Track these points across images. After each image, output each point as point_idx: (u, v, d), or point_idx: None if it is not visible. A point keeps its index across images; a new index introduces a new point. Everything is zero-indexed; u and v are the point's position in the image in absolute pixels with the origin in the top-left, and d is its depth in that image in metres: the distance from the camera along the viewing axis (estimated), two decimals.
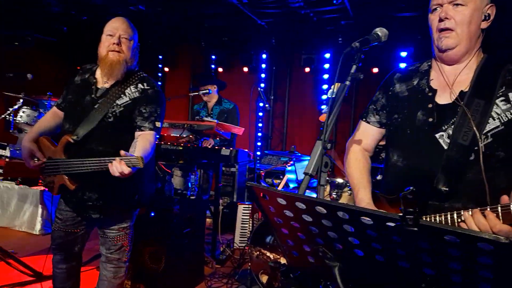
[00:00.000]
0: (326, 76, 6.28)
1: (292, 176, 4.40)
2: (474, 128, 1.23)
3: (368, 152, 1.62)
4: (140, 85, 2.07)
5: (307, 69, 6.33)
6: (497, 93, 1.26)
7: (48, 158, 2.06)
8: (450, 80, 1.36)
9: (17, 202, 4.24)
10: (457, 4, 1.27)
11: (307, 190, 1.17)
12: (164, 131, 3.84)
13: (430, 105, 1.36)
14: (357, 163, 1.56)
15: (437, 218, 1.24)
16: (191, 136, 4.07)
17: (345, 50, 1.23)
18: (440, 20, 1.29)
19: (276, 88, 6.92)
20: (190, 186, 3.26)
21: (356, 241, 0.91)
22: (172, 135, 3.91)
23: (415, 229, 0.71)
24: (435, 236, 0.75)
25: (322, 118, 1.29)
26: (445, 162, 1.26)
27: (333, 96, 1.23)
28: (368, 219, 0.80)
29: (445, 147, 1.29)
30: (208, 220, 3.98)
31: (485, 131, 1.24)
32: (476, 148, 1.23)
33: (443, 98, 1.36)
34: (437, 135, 1.32)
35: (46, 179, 2.12)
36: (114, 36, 2.01)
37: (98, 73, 2.11)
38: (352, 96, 6.31)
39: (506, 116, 1.24)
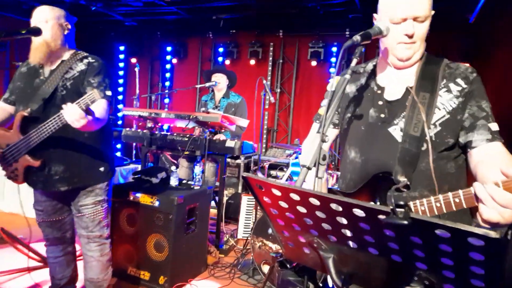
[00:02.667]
0: (332, 70, 6.25)
1: (296, 169, 4.41)
2: (424, 119, 1.30)
3: (322, 152, 1.63)
4: (85, 60, 2.17)
5: (314, 63, 6.30)
6: (439, 86, 1.35)
7: (6, 147, 2.07)
8: (395, 77, 1.43)
9: (27, 187, 4.30)
10: (420, 21, 1.33)
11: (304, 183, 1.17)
12: (171, 121, 3.86)
13: (380, 102, 1.44)
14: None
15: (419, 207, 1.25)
16: (197, 128, 4.10)
17: (346, 43, 1.22)
18: (409, 37, 1.33)
19: (282, 81, 6.90)
20: (195, 176, 3.28)
21: (349, 233, 0.91)
22: (178, 126, 3.94)
23: (405, 222, 0.72)
24: (425, 230, 0.76)
25: (321, 111, 1.30)
26: (400, 154, 1.33)
27: (333, 89, 1.23)
28: (360, 211, 0.81)
29: (399, 140, 1.36)
30: (212, 210, 4.01)
31: (433, 121, 1.32)
32: (426, 138, 1.30)
33: (392, 95, 1.43)
34: (390, 129, 1.39)
35: (9, 169, 2.11)
36: (33, 24, 2.08)
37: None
38: None
39: (450, 105, 1.33)
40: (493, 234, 0.69)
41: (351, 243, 0.94)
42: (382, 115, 1.42)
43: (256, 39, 6.67)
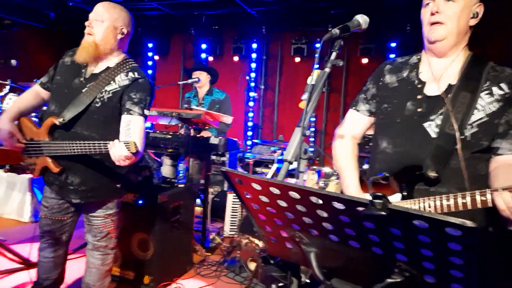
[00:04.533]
0: (317, 66, 6.27)
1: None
2: (458, 120, 1.32)
3: (356, 139, 1.69)
4: (131, 74, 2.05)
5: (298, 59, 6.31)
6: (481, 88, 1.35)
7: (30, 140, 2.03)
8: (438, 74, 1.44)
9: (6, 190, 4.22)
10: (448, 0, 1.34)
11: (292, 179, 1.17)
12: (153, 119, 3.81)
13: (419, 96, 1.44)
14: (345, 149, 1.63)
15: (423, 204, 1.32)
16: (182, 127, 4.05)
17: (325, 36, 1.22)
18: (432, 14, 1.36)
19: (266, 77, 6.90)
20: (178, 174, 3.25)
21: (330, 227, 0.91)
22: (160, 123, 3.89)
23: (383, 213, 0.72)
24: (404, 221, 0.76)
25: (302, 105, 1.30)
26: (434, 150, 1.35)
27: (313, 83, 1.23)
28: (339, 204, 0.80)
29: (433, 136, 1.37)
30: (198, 208, 3.99)
31: (470, 122, 1.34)
32: (462, 137, 1.32)
33: (432, 90, 1.44)
34: (425, 124, 1.40)
35: (27, 160, 2.09)
36: (89, 21, 2.01)
37: None
38: (342, 86, 6.33)
39: (490, 109, 1.34)
40: (469, 223, 0.69)
41: (332, 237, 0.94)
42: (419, 109, 1.42)
43: (239, 35, 6.63)
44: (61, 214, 2.19)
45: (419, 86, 1.46)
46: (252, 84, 6.65)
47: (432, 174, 1.32)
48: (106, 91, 2.00)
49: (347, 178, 1.54)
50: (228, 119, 3.73)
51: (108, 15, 2.00)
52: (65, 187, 2.06)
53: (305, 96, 1.22)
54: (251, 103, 6.74)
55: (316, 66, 1.26)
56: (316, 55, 1.35)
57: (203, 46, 6.97)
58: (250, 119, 6.78)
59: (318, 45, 6.20)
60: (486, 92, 1.35)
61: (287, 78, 6.78)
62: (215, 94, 4.47)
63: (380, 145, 1.52)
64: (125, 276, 2.87)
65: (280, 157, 4.66)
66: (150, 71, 7.60)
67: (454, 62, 1.42)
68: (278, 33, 6.66)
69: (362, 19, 1.32)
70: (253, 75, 6.72)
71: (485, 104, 1.34)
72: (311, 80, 1.23)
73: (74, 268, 2.78)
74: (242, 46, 6.59)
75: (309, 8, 5.63)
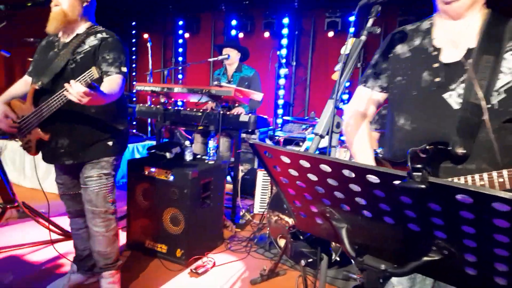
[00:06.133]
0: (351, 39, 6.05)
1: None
2: (483, 87, 1.18)
3: (368, 118, 1.56)
4: (99, 35, 2.15)
5: (331, 33, 6.10)
6: (505, 48, 1.21)
7: (21, 118, 2.10)
8: (455, 38, 1.30)
9: (45, 165, 4.40)
10: None
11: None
12: (183, 96, 3.83)
13: (435, 65, 1.31)
14: (356, 131, 1.51)
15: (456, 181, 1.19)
16: (210, 103, 4.05)
17: (360, 2, 1.14)
18: None
19: (298, 53, 6.74)
20: (209, 151, 3.26)
21: (363, 202, 0.87)
22: (191, 100, 3.90)
23: (423, 186, 0.66)
24: (445, 195, 0.70)
25: (335, 76, 1.23)
26: (459, 123, 1.22)
27: (347, 52, 1.16)
28: (374, 177, 0.75)
29: (456, 107, 1.24)
30: (228, 185, 4.02)
31: (496, 88, 1.19)
32: (489, 106, 1.19)
33: (449, 57, 1.30)
34: (445, 95, 1.27)
35: (24, 140, 2.16)
36: None
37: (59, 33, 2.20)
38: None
39: None
40: None
41: (365, 212, 0.90)
42: (437, 79, 1.29)
43: (270, 10, 6.48)
44: (76, 188, 2.29)
45: (434, 53, 1.32)
46: (283, 61, 6.53)
47: (460, 150, 1.20)
48: (77, 52, 2.10)
49: (359, 159, 1.43)
50: (258, 96, 3.68)
51: None
52: (57, 152, 2.14)
53: (338, 67, 1.16)
54: (282, 81, 6.63)
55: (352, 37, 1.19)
56: (351, 25, 1.26)
57: (233, 22, 6.88)
58: (281, 96, 6.68)
59: (352, 18, 5.95)
60: (511, 52, 1.21)
61: (319, 54, 6.59)
62: (244, 71, 4.41)
63: (398, 122, 1.40)
64: (158, 249, 2.96)
65: (310, 136, 4.58)
66: (180, 49, 7.61)
67: (471, 23, 1.27)
68: (310, 7, 6.44)
69: None
70: (284, 51, 6.57)
71: (511, 65, 1.20)
72: (345, 49, 1.16)
73: None
74: (273, 21, 6.44)
75: None
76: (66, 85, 1.73)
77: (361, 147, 1.46)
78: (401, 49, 1.42)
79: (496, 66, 1.20)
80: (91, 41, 2.13)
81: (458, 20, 1.29)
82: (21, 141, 2.18)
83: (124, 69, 2.12)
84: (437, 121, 1.28)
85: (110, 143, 2.21)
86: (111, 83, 2.02)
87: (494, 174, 1.10)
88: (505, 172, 1.08)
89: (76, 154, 2.15)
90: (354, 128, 1.51)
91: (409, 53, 1.40)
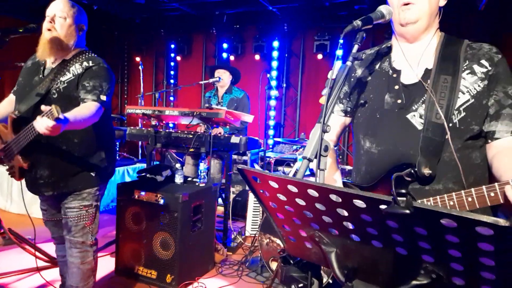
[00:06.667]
0: (339, 62, 6.16)
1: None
2: (443, 106, 1.22)
3: (333, 142, 1.57)
4: (85, 63, 2.08)
5: (320, 56, 6.22)
6: (461, 68, 1.25)
7: (5, 143, 2.06)
8: (412, 59, 1.34)
9: None
10: None
11: (314, 178, 1.13)
12: (174, 119, 3.84)
13: (396, 87, 1.34)
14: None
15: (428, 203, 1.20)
16: (201, 125, 4.06)
17: (346, 28, 1.17)
18: None
19: (288, 75, 6.84)
20: (200, 173, 3.25)
21: (351, 226, 0.87)
22: (182, 123, 3.91)
23: (407, 211, 0.67)
24: (430, 220, 0.71)
25: (322, 100, 1.24)
26: (423, 143, 1.24)
27: (333, 77, 1.18)
28: (360, 202, 0.76)
29: (419, 128, 1.26)
30: (220, 208, 3.99)
31: (456, 106, 1.23)
32: (450, 125, 1.21)
33: (409, 78, 1.34)
34: (408, 116, 1.29)
35: (8, 165, 2.12)
36: (49, 16, 2.03)
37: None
38: None
39: (475, 88, 1.23)
40: (502, 222, 0.64)
41: (353, 236, 0.90)
42: (399, 101, 1.32)
43: (260, 34, 6.60)
44: (59, 214, 2.20)
45: (394, 75, 1.35)
46: (274, 83, 6.61)
47: (426, 171, 1.20)
48: (61, 81, 2.04)
49: None
50: (249, 117, 3.71)
51: (70, 12, 2.06)
52: (36, 182, 2.07)
53: (325, 91, 1.18)
54: (272, 102, 6.69)
55: (339, 60, 1.21)
56: (339, 47, 1.29)
57: (225, 45, 6.99)
58: (272, 117, 6.74)
59: (341, 41, 6.07)
60: (468, 72, 1.24)
61: (309, 75, 6.70)
62: (234, 93, 4.47)
63: (364, 145, 1.41)
64: (147, 275, 2.90)
65: (301, 156, 4.60)
66: (172, 72, 7.68)
67: (428, 45, 1.32)
68: (300, 30, 6.58)
69: (386, 10, 1.25)
70: (274, 73, 6.67)
71: (469, 84, 1.23)
72: (331, 74, 1.18)
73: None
74: (263, 44, 6.56)
75: (331, 4, 5.53)
76: (37, 118, 1.67)
77: (328, 175, 1.44)
78: (362, 73, 1.46)
79: (455, 85, 1.23)
80: (76, 69, 2.06)
81: (414, 43, 1.34)
82: (7, 165, 2.14)
83: (104, 98, 2.03)
84: (402, 142, 1.29)
85: (93, 173, 2.14)
86: (81, 109, 1.93)
87: (463, 193, 1.10)
88: (473, 192, 1.08)
89: (57, 184, 2.07)
90: None
91: (370, 77, 1.43)
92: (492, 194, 1.04)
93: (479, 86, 1.23)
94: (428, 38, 1.32)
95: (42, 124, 1.62)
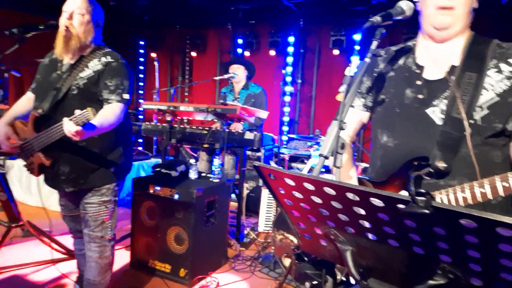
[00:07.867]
0: (356, 58, 6.09)
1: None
2: (465, 102, 1.20)
3: (351, 138, 1.56)
4: (103, 59, 2.09)
5: (336, 51, 6.16)
6: (488, 66, 1.23)
7: (23, 140, 2.09)
8: (438, 56, 1.31)
9: None
10: None
11: (329, 175, 1.13)
12: (189, 114, 3.86)
13: (418, 82, 1.33)
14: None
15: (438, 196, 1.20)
16: (216, 121, 4.08)
17: (365, 24, 1.16)
18: None
19: (303, 71, 6.79)
20: (213, 169, 3.27)
21: (368, 224, 0.86)
22: (196, 119, 3.93)
23: (427, 211, 0.66)
24: (450, 220, 0.70)
25: (339, 97, 1.23)
26: (440, 137, 1.23)
27: (351, 74, 1.17)
28: (378, 200, 0.75)
29: (439, 123, 1.25)
30: (233, 203, 4.00)
31: (479, 103, 1.21)
32: (472, 121, 1.20)
33: (432, 74, 1.32)
34: (428, 111, 1.28)
35: (27, 161, 2.15)
36: (67, 13, 2.03)
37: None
38: None
39: (500, 87, 1.21)
40: None
41: (370, 235, 0.89)
42: (420, 96, 1.31)
43: (275, 29, 6.57)
44: (77, 210, 2.23)
45: (417, 71, 1.34)
46: (289, 79, 6.58)
47: (440, 164, 1.19)
48: (81, 77, 2.05)
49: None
50: (263, 113, 3.70)
51: (90, 9, 2.06)
52: (57, 178, 2.10)
53: (342, 88, 1.17)
54: (287, 98, 6.67)
55: (356, 58, 1.20)
56: (357, 42, 1.27)
57: (240, 41, 6.97)
58: (286, 113, 6.71)
59: (357, 36, 6.00)
60: (494, 70, 1.22)
61: (325, 71, 6.64)
62: (251, 88, 4.45)
63: (381, 140, 1.40)
64: (161, 268, 2.94)
65: (315, 153, 4.58)
66: (187, 68, 7.71)
67: (456, 44, 1.29)
68: (316, 26, 6.52)
69: (406, 6, 1.22)
70: (289, 69, 6.63)
71: (494, 82, 1.21)
72: (349, 71, 1.17)
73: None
74: (278, 40, 6.52)
75: None
76: (63, 119, 1.71)
77: (344, 172, 1.43)
78: (385, 68, 1.44)
79: (479, 82, 1.21)
80: (95, 65, 2.07)
81: (442, 43, 1.31)
82: (25, 161, 2.17)
83: (126, 96, 2.07)
84: (420, 136, 1.28)
85: (112, 169, 2.17)
86: (107, 113, 1.97)
87: (475, 184, 1.10)
88: (485, 182, 1.07)
89: (77, 181, 2.10)
90: None
91: (393, 72, 1.42)
92: (506, 184, 1.04)
93: (505, 85, 1.20)
94: (457, 39, 1.29)
95: (67, 127, 1.67)
